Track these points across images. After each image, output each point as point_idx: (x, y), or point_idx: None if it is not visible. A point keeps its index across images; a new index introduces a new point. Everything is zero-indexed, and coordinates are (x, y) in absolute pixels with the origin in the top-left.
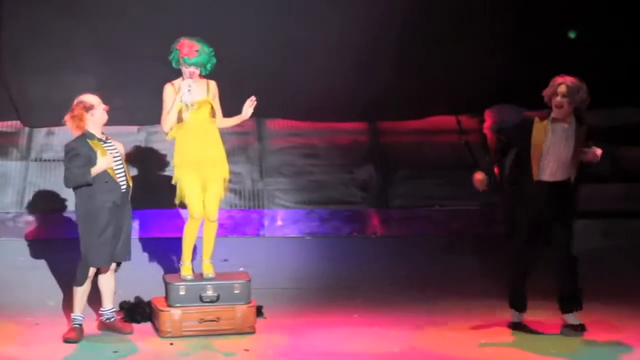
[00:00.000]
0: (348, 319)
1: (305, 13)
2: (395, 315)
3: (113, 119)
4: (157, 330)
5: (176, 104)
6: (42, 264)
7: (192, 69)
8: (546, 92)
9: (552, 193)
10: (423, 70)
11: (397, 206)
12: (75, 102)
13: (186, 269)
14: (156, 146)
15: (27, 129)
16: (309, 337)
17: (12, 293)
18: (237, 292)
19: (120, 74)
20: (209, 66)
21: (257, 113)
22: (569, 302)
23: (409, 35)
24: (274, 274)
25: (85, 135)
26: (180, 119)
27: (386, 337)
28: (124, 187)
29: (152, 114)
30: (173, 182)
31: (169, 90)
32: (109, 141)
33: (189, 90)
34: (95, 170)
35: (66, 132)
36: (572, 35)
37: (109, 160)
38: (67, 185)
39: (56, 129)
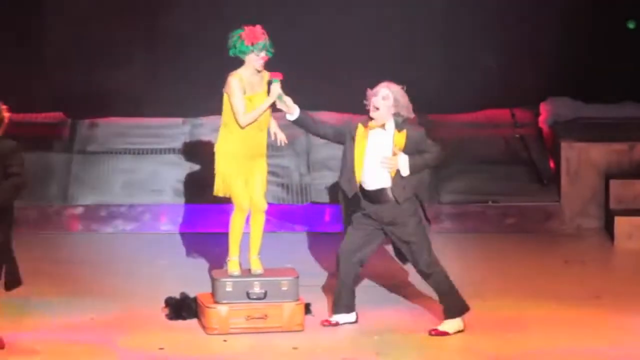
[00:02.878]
0: (398, 315)
1: (350, 6)
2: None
3: (158, 111)
4: (203, 327)
5: (268, 103)
6: (85, 257)
7: (263, 54)
8: None
9: None
10: (476, 62)
11: (449, 202)
12: None
13: (233, 265)
14: (201, 139)
15: (70, 121)
16: (359, 335)
17: (58, 287)
18: (284, 289)
19: (165, 65)
20: (271, 50)
21: (304, 106)
22: None
23: (460, 26)
24: (321, 270)
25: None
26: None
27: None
28: None
29: (196, 106)
30: (215, 172)
31: (235, 82)
32: None
33: (279, 98)
34: None
35: (110, 124)
36: (630, 25)
37: None
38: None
39: (100, 121)
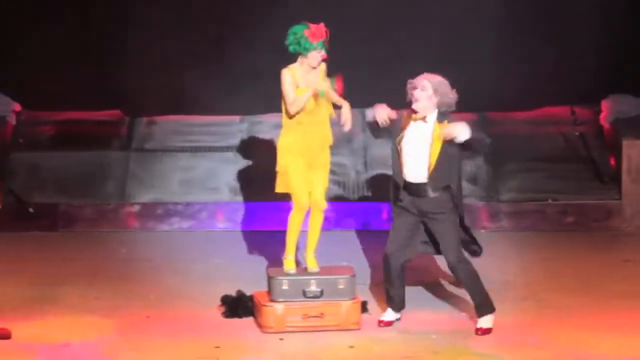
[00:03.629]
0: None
1: (407, 3)
2: (502, 313)
3: (216, 109)
4: (259, 325)
5: (310, 94)
6: (142, 255)
7: (323, 52)
8: None
9: None
10: (535, 58)
11: (508, 200)
12: None
13: (289, 263)
14: (259, 137)
15: (128, 119)
16: (416, 334)
17: (114, 285)
18: (341, 287)
19: (222, 64)
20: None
21: (361, 104)
22: None
23: (519, 23)
24: (378, 268)
25: None
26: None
27: (496, 334)
28: None
29: (254, 104)
30: (277, 169)
31: (287, 76)
32: None
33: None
34: None
35: (167, 122)
36: None
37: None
38: None
39: (157, 119)
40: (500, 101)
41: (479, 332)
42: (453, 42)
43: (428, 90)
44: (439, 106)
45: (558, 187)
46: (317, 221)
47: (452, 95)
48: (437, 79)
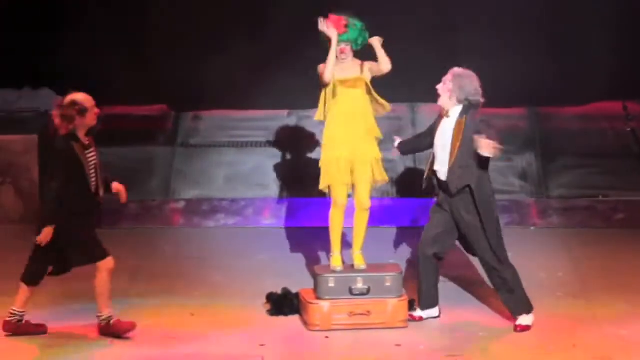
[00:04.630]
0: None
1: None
2: (552, 311)
3: (262, 103)
4: (305, 323)
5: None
6: (187, 252)
7: (342, 45)
8: None
9: None
10: (587, 52)
11: (558, 196)
12: (68, 100)
13: (336, 260)
14: (306, 131)
15: (173, 114)
16: (462, 331)
17: (158, 282)
18: (388, 284)
19: (269, 57)
20: (360, 41)
21: (410, 98)
22: None
23: (570, 16)
24: None
25: (71, 136)
26: (333, 96)
27: (545, 332)
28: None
29: (302, 98)
30: (320, 164)
31: (322, 65)
32: (90, 148)
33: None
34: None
35: (213, 117)
36: None
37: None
38: (43, 197)
39: (203, 114)
40: (551, 96)
41: (518, 329)
42: (503, 37)
43: (448, 85)
44: (459, 100)
45: (609, 184)
46: (361, 219)
47: (471, 89)
48: (459, 72)
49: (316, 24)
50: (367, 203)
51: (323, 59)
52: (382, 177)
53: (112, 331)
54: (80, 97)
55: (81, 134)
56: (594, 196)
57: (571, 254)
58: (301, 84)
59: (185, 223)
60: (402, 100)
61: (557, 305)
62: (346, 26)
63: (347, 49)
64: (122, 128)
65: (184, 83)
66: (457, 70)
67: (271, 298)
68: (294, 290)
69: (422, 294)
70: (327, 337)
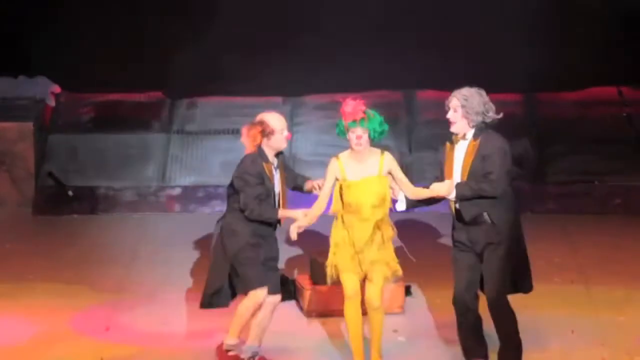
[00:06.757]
0: None
1: None
2: (549, 297)
3: (257, 90)
4: (302, 308)
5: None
6: (183, 239)
7: (359, 131)
8: None
9: None
10: (582, 39)
11: (554, 182)
12: (258, 118)
13: None
14: (302, 118)
15: (168, 101)
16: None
17: (154, 268)
18: None
19: (268, 46)
20: (379, 129)
21: (406, 85)
22: None
23: (566, 3)
24: (424, 251)
25: (261, 156)
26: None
27: (542, 318)
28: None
29: (296, 85)
30: (327, 263)
31: (332, 165)
32: (277, 168)
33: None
34: (283, 215)
35: (209, 104)
36: None
37: (308, 220)
38: (250, 215)
39: (198, 100)
40: (546, 82)
41: None
42: (500, 25)
43: (458, 111)
44: (475, 123)
45: (605, 169)
46: (374, 321)
47: (481, 107)
48: (464, 93)
49: (311, 13)
50: (376, 302)
51: (319, 46)
52: (396, 273)
53: None
54: (270, 117)
55: (269, 153)
56: (591, 181)
57: (568, 239)
58: (296, 71)
59: (181, 209)
60: (400, 87)
61: (555, 290)
62: (364, 111)
63: (364, 136)
64: (117, 115)
65: (180, 70)
66: (461, 92)
67: None
68: (291, 277)
69: (467, 344)
70: (323, 322)
